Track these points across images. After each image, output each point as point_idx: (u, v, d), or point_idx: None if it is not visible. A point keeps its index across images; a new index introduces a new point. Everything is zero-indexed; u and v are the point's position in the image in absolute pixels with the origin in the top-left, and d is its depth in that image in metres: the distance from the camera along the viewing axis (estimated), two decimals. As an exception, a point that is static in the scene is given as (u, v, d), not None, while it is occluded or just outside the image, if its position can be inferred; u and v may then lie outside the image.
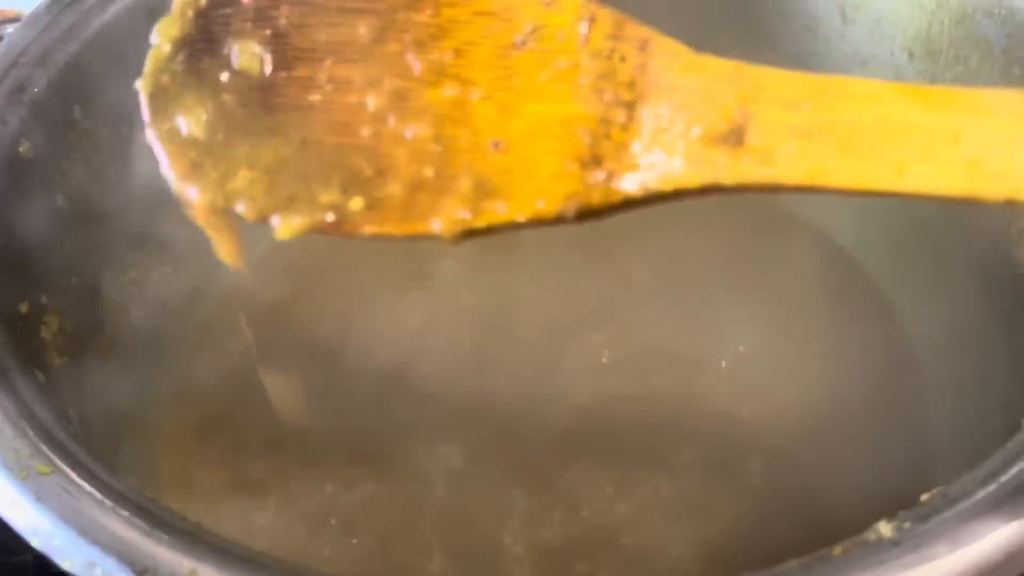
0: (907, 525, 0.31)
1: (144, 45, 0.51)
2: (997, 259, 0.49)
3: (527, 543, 0.47)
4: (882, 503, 0.34)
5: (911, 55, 0.54)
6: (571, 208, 0.32)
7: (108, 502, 0.32)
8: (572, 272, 0.57)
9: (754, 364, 0.54)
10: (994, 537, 0.30)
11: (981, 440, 0.44)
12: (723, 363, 0.54)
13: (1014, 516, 0.30)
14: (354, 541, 0.48)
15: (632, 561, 0.47)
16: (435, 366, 0.54)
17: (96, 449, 0.42)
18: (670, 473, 0.50)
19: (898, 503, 0.33)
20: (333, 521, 0.49)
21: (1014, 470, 0.32)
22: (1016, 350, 0.47)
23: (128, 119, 0.52)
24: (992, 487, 0.32)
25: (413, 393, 0.53)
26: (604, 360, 0.54)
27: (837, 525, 0.33)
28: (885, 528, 0.31)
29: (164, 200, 0.53)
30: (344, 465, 0.51)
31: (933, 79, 0.53)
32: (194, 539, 0.31)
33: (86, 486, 0.33)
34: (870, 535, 0.31)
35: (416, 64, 0.34)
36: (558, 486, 0.49)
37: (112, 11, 0.51)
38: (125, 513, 0.31)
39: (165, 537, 0.31)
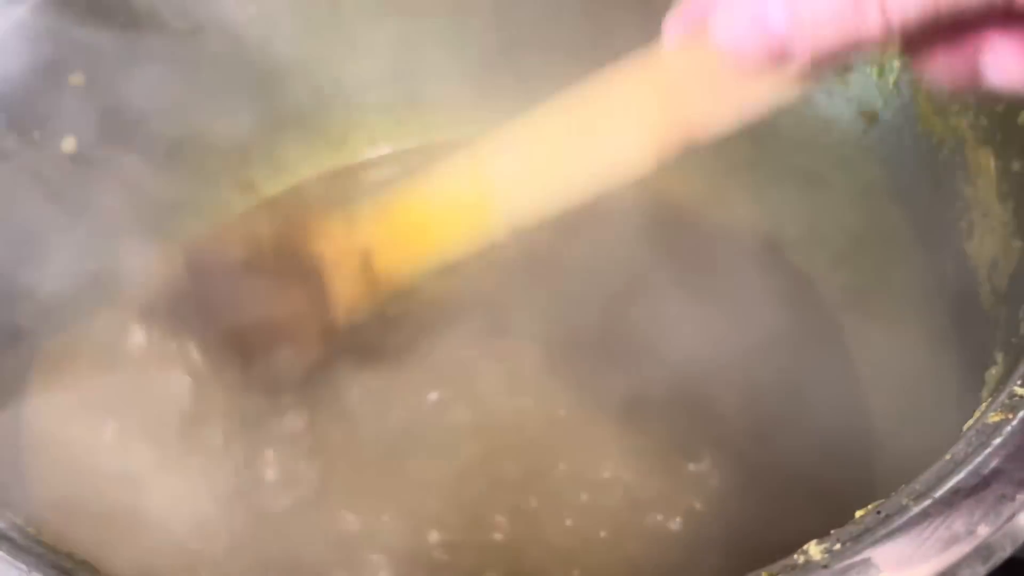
0: (837, 547, 0.29)
1: (59, 52, 0.49)
2: (948, 253, 0.48)
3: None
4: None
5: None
6: None
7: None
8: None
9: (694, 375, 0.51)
10: (925, 558, 0.28)
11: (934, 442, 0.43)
12: (664, 370, 0.52)
13: (947, 534, 0.29)
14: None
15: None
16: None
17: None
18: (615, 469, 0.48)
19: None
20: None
21: (949, 484, 0.30)
22: (967, 345, 0.46)
23: (40, 124, 0.50)
24: (927, 503, 0.30)
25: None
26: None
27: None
28: (815, 550, 0.29)
29: (84, 206, 0.53)
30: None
31: (881, 69, 0.52)
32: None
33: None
34: (799, 558, 0.29)
35: None
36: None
37: (22, 10, 0.49)
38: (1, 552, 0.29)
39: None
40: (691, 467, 0.49)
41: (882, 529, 0.29)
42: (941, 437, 0.43)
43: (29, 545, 0.30)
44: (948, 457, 0.31)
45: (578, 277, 0.55)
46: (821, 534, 0.30)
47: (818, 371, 0.51)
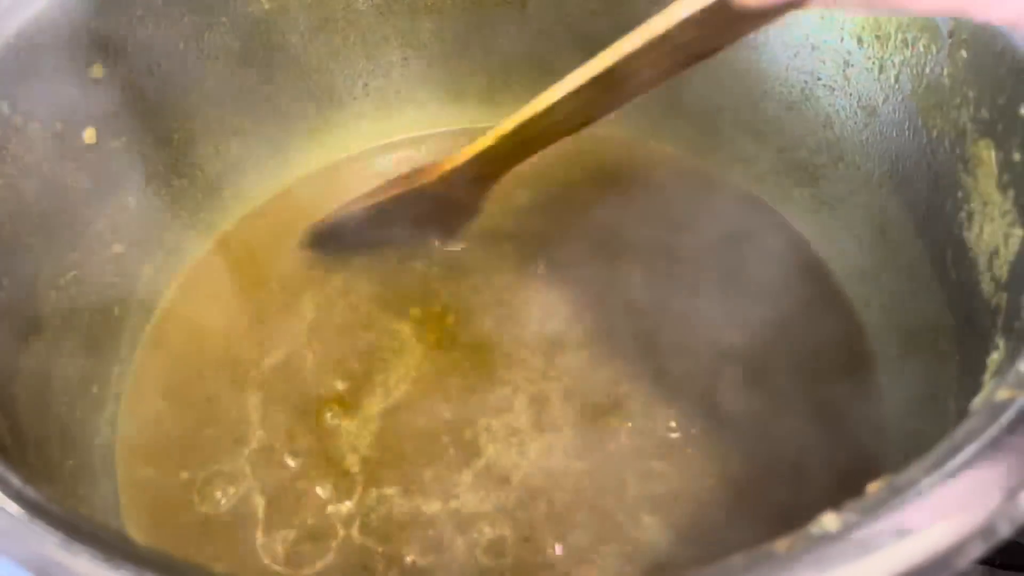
0: (852, 518, 0.30)
1: (80, 36, 0.50)
2: (948, 243, 0.49)
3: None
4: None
5: (860, 41, 0.53)
6: None
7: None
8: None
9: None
10: (940, 528, 0.29)
11: (934, 426, 0.45)
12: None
13: (961, 507, 0.30)
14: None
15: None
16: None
17: (33, 463, 0.41)
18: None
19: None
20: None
21: (959, 458, 0.31)
22: (967, 332, 0.47)
23: (61, 115, 0.50)
24: (937, 475, 0.31)
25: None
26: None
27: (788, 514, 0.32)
28: (830, 521, 0.30)
29: (103, 196, 0.54)
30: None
31: (882, 64, 0.52)
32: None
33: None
34: (814, 529, 0.30)
35: None
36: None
37: (43, 2, 0.49)
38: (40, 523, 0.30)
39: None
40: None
41: (895, 501, 0.30)
42: (944, 420, 0.45)
43: (72, 520, 0.31)
44: (959, 433, 0.32)
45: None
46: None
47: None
